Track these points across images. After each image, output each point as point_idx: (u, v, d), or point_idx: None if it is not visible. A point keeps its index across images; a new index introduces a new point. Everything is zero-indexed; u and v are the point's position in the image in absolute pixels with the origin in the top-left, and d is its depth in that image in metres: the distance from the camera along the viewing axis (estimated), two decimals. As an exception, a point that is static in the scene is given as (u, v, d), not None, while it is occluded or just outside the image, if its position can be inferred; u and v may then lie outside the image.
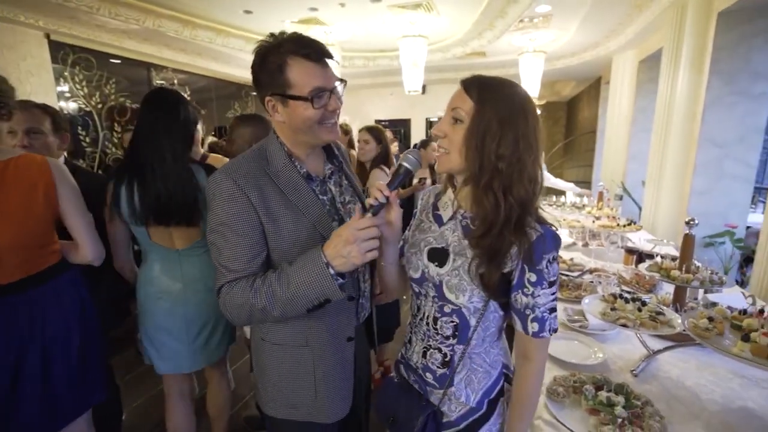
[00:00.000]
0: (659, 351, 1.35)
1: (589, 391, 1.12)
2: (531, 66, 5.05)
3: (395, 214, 0.88)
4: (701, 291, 1.76)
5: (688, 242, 1.62)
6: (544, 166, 1.15)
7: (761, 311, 1.19)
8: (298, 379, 1.03)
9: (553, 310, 0.84)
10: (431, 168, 3.67)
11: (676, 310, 1.55)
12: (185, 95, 6.24)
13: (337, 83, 0.96)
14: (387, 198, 0.85)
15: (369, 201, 0.86)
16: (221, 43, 4.49)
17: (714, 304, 1.72)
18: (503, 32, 4.21)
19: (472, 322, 0.87)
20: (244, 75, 6.35)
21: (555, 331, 0.85)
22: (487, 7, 3.72)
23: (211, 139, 5.20)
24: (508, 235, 0.80)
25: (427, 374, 0.94)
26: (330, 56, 0.94)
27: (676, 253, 2.57)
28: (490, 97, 0.81)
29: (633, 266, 2.32)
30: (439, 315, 0.90)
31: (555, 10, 3.90)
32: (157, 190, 1.44)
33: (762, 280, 2.11)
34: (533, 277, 0.81)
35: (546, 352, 0.88)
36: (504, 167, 0.79)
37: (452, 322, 0.89)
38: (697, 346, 1.41)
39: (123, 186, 1.44)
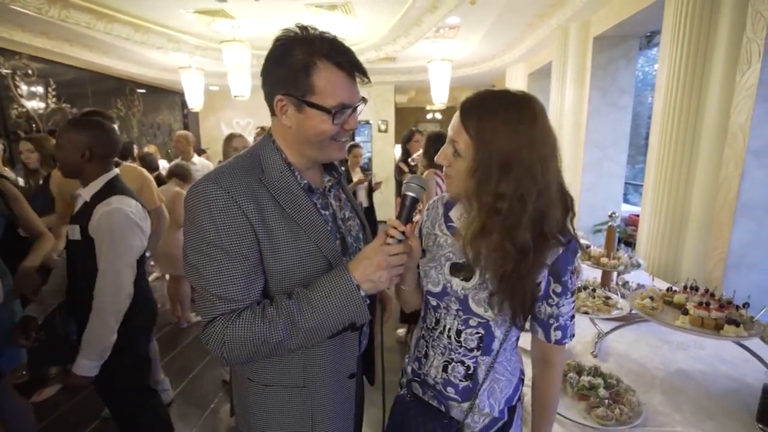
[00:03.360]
0: (609, 331, 1.54)
1: (573, 379, 1.22)
2: (439, 73, 5.37)
3: (415, 244, 0.84)
4: (615, 272, 2.07)
5: (611, 233, 1.89)
6: None
7: (685, 287, 1.44)
8: (290, 426, 0.90)
9: (573, 316, 0.88)
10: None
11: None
12: (49, 89, 5.15)
13: (360, 103, 0.86)
14: (403, 233, 0.80)
15: (387, 241, 0.80)
16: (102, 29, 3.78)
17: (627, 283, 2.04)
18: (418, 39, 4.39)
19: (497, 333, 0.87)
20: (128, 68, 5.47)
21: (573, 336, 0.89)
22: (405, 14, 3.84)
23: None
24: (528, 275, 0.78)
25: (449, 389, 0.90)
26: (363, 72, 0.84)
27: (582, 241, 2.99)
28: (490, 131, 0.76)
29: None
30: (464, 327, 0.87)
31: (463, 23, 4.21)
32: None
33: (646, 259, 2.58)
34: (558, 288, 0.83)
35: (564, 356, 0.92)
36: (504, 208, 0.76)
37: (477, 333, 0.87)
38: (632, 323, 1.64)
39: None
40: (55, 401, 2.40)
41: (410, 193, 0.83)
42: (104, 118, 2.13)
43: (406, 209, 0.83)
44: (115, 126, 1.84)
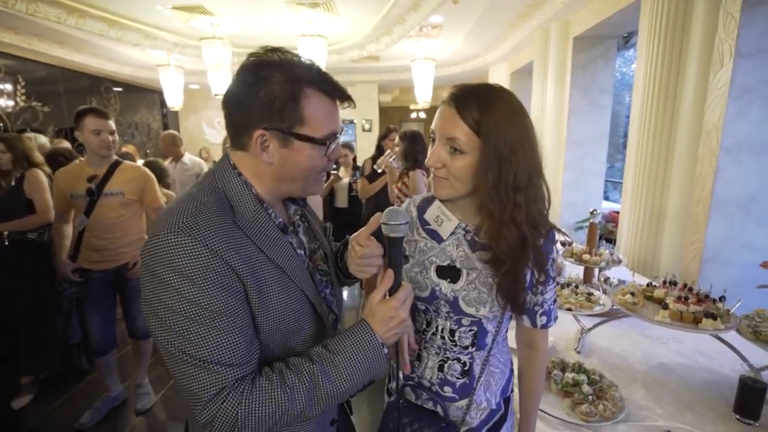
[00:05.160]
0: (592, 327, 1.55)
1: (558, 376, 1.22)
2: (423, 72, 5.37)
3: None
4: (597, 269, 2.11)
5: (593, 230, 1.92)
6: None
7: (664, 282, 1.46)
8: None
9: (555, 300, 0.91)
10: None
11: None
12: (18, 86, 4.94)
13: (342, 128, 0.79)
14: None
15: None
16: (74, 24, 3.63)
17: (608, 278, 2.07)
18: (401, 38, 4.38)
19: (490, 328, 0.88)
20: (102, 65, 5.30)
21: (557, 318, 0.91)
22: (388, 12, 3.82)
23: (44, 140, 3.64)
24: (526, 258, 0.80)
25: (446, 387, 0.90)
26: (350, 99, 0.76)
27: (563, 237, 3.04)
28: (494, 123, 0.75)
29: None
30: (457, 327, 0.87)
31: (446, 21, 4.22)
32: None
33: (626, 255, 2.63)
34: (542, 278, 0.85)
35: (548, 339, 0.95)
36: (522, 199, 0.77)
37: (471, 331, 0.87)
38: (614, 319, 1.66)
39: None
40: (27, 412, 2.30)
41: (393, 235, 0.74)
42: (100, 114, 2.06)
43: (395, 252, 0.75)
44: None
